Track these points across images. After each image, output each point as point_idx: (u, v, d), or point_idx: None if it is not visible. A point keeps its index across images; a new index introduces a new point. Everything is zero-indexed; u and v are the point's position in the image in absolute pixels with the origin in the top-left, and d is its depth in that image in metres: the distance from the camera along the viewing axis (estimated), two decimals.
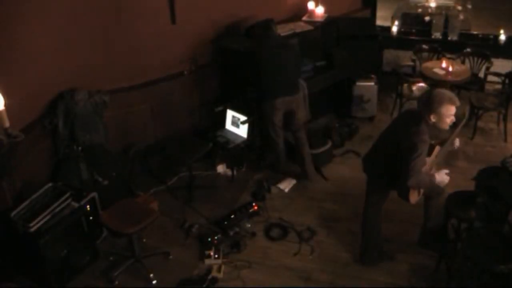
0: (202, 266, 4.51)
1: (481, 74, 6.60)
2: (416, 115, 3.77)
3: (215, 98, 6.01)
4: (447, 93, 3.70)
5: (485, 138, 6.15)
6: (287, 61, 5.09)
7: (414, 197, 3.93)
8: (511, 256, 3.53)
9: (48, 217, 4.18)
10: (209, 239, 4.69)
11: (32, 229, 4.06)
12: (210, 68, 5.97)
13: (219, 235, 4.75)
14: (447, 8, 7.66)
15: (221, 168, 5.74)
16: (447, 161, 5.74)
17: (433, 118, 3.66)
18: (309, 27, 6.20)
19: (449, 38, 7.24)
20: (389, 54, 7.35)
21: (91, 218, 4.53)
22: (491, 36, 7.15)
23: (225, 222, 4.89)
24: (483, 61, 6.55)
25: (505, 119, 6.09)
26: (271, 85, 5.10)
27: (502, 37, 6.99)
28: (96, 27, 5.00)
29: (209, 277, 4.35)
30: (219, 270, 4.42)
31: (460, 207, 4.07)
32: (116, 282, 4.37)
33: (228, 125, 5.60)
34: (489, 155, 5.79)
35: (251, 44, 5.34)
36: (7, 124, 3.56)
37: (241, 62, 5.60)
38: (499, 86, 6.55)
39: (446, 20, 7.31)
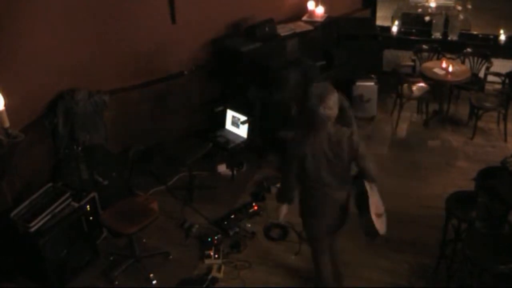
0: (202, 266, 4.51)
1: (481, 74, 6.60)
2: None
3: (215, 98, 6.01)
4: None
5: (485, 138, 6.14)
6: None
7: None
8: (511, 256, 3.53)
9: (48, 217, 4.18)
10: (209, 239, 4.69)
11: (32, 229, 4.07)
12: (210, 68, 5.97)
13: (219, 235, 4.75)
14: (447, 8, 7.65)
15: (221, 168, 5.74)
16: (447, 161, 5.76)
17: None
18: (309, 27, 6.20)
19: (449, 38, 7.23)
20: (389, 54, 7.34)
21: (91, 218, 4.53)
22: (491, 36, 7.14)
23: (225, 222, 4.89)
24: (483, 61, 6.55)
25: (505, 119, 6.09)
26: None
27: (502, 37, 6.98)
28: (96, 27, 5.00)
29: (209, 277, 4.35)
30: (219, 270, 4.42)
31: (460, 207, 4.06)
32: (116, 282, 4.37)
33: (228, 125, 5.60)
34: (489, 155, 5.79)
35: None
36: (7, 124, 3.56)
37: (241, 62, 5.61)
38: (499, 86, 6.55)
39: (446, 20, 7.30)
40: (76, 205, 4.42)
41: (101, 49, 5.12)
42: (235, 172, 5.65)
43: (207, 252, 4.56)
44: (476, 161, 5.57)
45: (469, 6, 7.84)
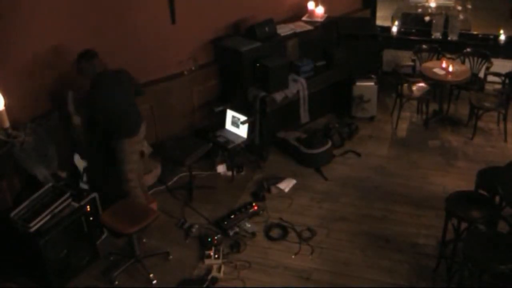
0: (202, 266, 4.51)
1: (481, 74, 6.60)
2: None
3: (215, 98, 6.01)
4: None
5: (485, 138, 6.14)
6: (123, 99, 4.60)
7: None
8: (511, 256, 3.53)
9: (48, 217, 4.18)
10: (209, 239, 4.69)
11: (32, 229, 4.07)
12: (210, 68, 5.97)
13: (219, 235, 4.75)
14: (447, 8, 7.66)
15: (221, 168, 5.74)
16: (447, 161, 5.76)
17: None
18: (309, 27, 6.20)
19: (449, 38, 7.23)
20: (389, 54, 7.35)
21: (91, 218, 4.53)
22: (491, 36, 7.14)
23: (225, 222, 4.89)
24: (483, 61, 6.55)
25: (505, 119, 6.09)
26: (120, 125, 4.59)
27: (502, 37, 6.98)
28: (96, 27, 5.00)
29: (209, 277, 4.35)
30: (219, 270, 4.42)
31: (460, 207, 4.06)
32: (116, 282, 4.37)
33: (228, 125, 5.61)
34: (489, 155, 5.79)
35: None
36: (7, 124, 3.57)
37: (241, 62, 5.61)
38: (499, 86, 6.55)
39: (446, 20, 7.30)
40: (76, 205, 4.42)
41: (101, 49, 5.10)
42: (235, 172, 5.65)
43: (207, 252, 4.56)
44: (476, 161, 5.57)
45: (469, 6, 7.85)
